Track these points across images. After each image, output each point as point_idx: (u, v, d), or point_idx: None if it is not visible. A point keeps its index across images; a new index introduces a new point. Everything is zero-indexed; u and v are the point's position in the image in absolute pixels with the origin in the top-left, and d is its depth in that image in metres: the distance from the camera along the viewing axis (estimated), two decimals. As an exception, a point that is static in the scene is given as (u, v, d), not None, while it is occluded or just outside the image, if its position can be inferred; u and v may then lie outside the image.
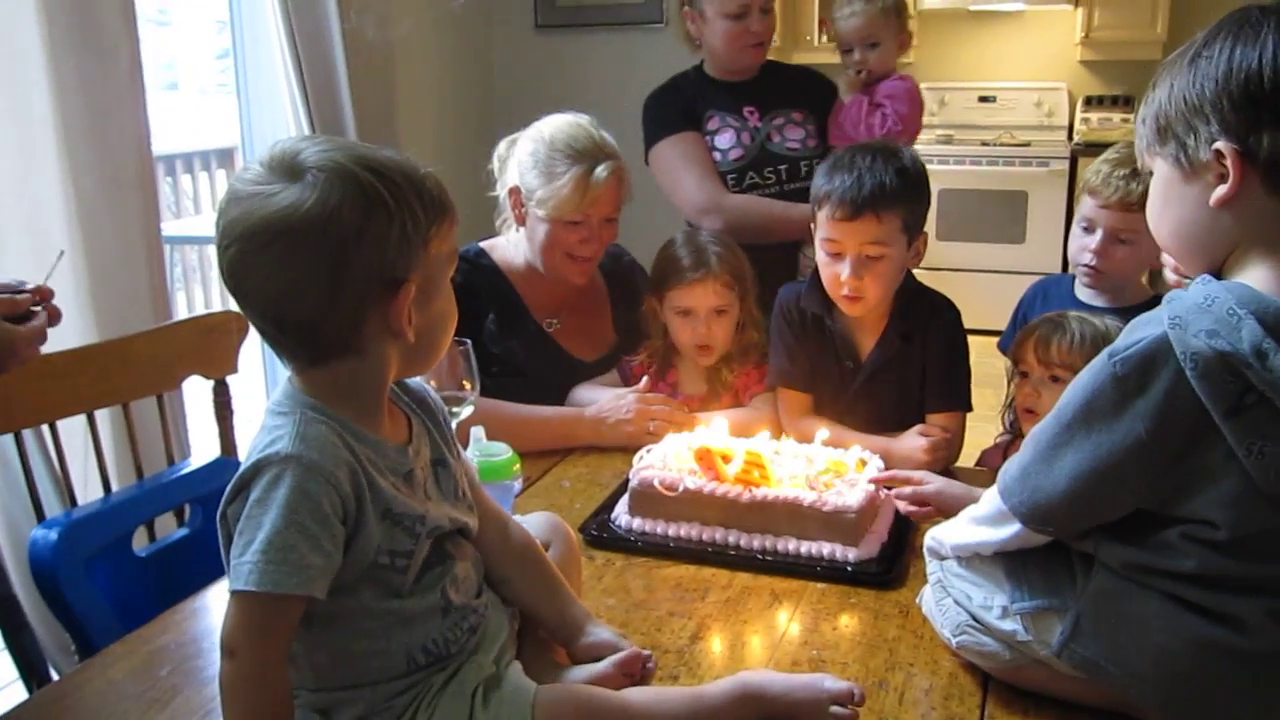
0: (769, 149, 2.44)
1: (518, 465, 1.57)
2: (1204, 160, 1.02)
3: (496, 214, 2.16)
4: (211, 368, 1.97)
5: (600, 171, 1.96)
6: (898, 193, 1.74)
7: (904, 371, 1.87)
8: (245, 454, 0.99)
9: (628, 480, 1.66)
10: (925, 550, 1.34)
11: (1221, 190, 1.01)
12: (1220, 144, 1.00)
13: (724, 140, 2.43)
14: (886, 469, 1.64)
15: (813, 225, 1.85)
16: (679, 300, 2.00)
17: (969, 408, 1.89)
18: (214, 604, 1.44)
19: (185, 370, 1.95)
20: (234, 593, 0.94)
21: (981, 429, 2.04)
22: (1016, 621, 1.17)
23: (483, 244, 2.16)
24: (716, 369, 2.06)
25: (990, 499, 1.18)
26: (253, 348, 2.47)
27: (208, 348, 1.95)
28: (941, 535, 1.29)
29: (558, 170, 1.97)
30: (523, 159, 2.03)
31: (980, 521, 1.21)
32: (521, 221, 2.08)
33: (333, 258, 0.95)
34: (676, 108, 2.47)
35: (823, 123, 2.49)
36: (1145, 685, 1.09)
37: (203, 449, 2.34)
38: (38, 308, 1.34)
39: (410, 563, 1.05)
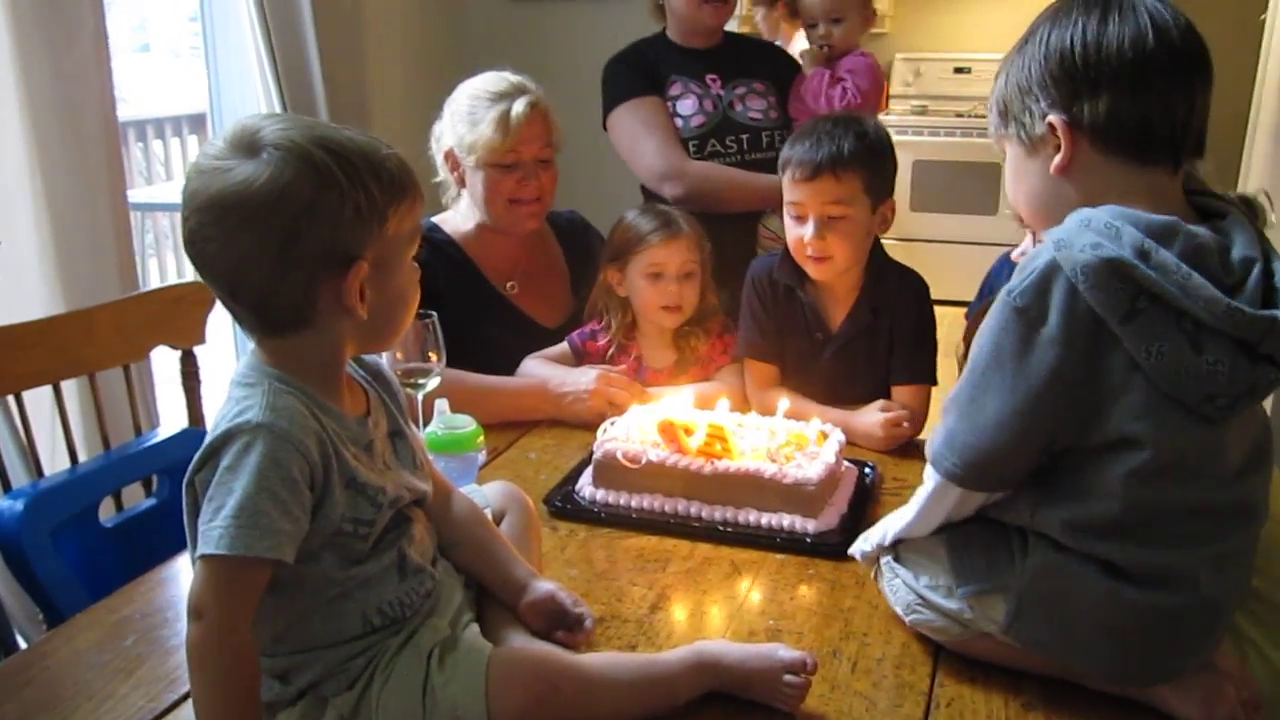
0: (731, 117, 2.43)
1: (481, 438, 1.59)
2: (1040, 134, 1.14)
3: (442, 192, 2.20)
4: (179, 338, 1.97)
5: (518, 106, 2.01)
6: (856, 155, 1.78)
7: (873, 343, 1.90)
8: (211, 424, 1.01)
9: (592, 452, 1.68)
10: (858, 555, 1.37)
11: (1058, 158, 1.13)
12: (1051, 117, 1.12)
13: (686, 106, 2.42)
14: (847, 442, 1.67)
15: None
16: (650, 261, 2.00)
17: (934, 381, 1.91)
18: (180, 574, 1.45)
19: (152, 341, 1.95)
20: (203, 557, 0.96)
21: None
22: (962, 601, 1.20)
23: (434, 219, 2.18)
24: (684, 337, 2.07)
25: (925, 483, 1.22)
26: (221, 319, 2.47)
27: (175, 318, 1.95)
28: (873, 535, 1.33)
29: (479, 115, 2.02)
30: (450, 121, 2.08)
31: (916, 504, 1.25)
32: (462, 183, 2.10)
33: (283, 232, 0.98)
34: (638, 72, 2.45)
35: (784, 94, 2.50)
36: (1093, 657, 1.13)
37: (170, 420, 2.35)
38: None
39: (372, 530, 1.07)
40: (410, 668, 1.06)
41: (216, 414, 1.02)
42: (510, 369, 2.05)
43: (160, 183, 5.20)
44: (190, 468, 1.00)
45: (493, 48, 4.01)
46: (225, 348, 3.11)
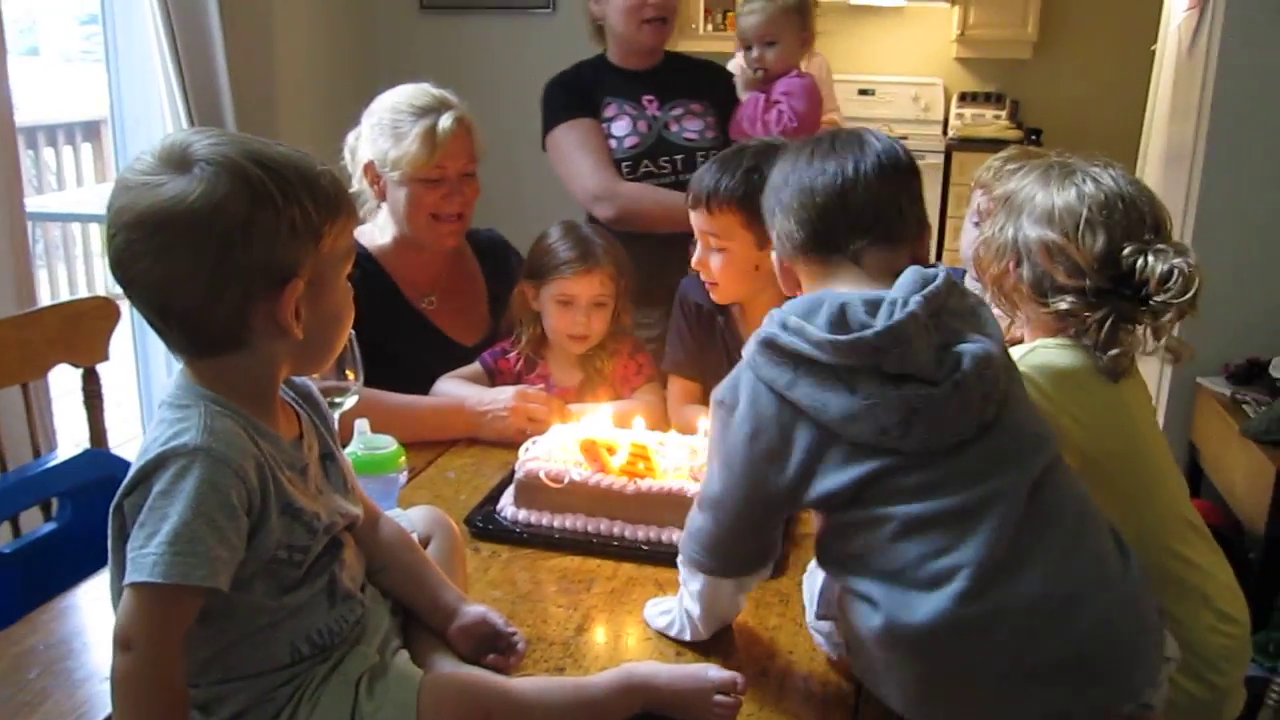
0: (666, 138, 2.45)
1: (402, 458, 1.56)
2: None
3: (359, 204, 2.16)
4: (81, 355, 1.90)
5: (445, 121, 2.00)
6: (732, 192, 1.77)
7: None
8: (141, 447, 0.98)
9: (513, 472, 1.67)
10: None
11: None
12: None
13: (620, 128, 2.44)
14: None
15: None
16: (561, 290, 2.01)
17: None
18: (83, 603, 1.40)
19: (53, 358, 1.88)
20: (134, 585, 0.92)
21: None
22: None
23: None
24: (590, 358, 2.08)
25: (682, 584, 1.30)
26: (123, 336, 2.39)
27: (77, 335, 1.88)
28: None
29: (404, 129, 2.00)
30: (370, 133, 2.05)
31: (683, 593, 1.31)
32: (382, 196, 2.08)
33: (216, 250, 0.96)
34: (575, 94, 2.47)
35: (723, 114, 2.52)
36: (885, 687, 1.15)
37: (66, 440, 2.26)
38: None
39: (306, 557, 1.05)
40: (338, 697, 1.04)
41: (146, 437, 0.99)
42: (424, 388, 2.03)
43: (51, 192, 5.01)
44: (120, 491, 0.96)
45: (403, 57, 3.98)
46: (125, 366, 3.00)
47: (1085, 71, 5.42)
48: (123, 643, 0.93)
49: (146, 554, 0.92)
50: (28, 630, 1.33)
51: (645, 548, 1.54)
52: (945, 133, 5.76)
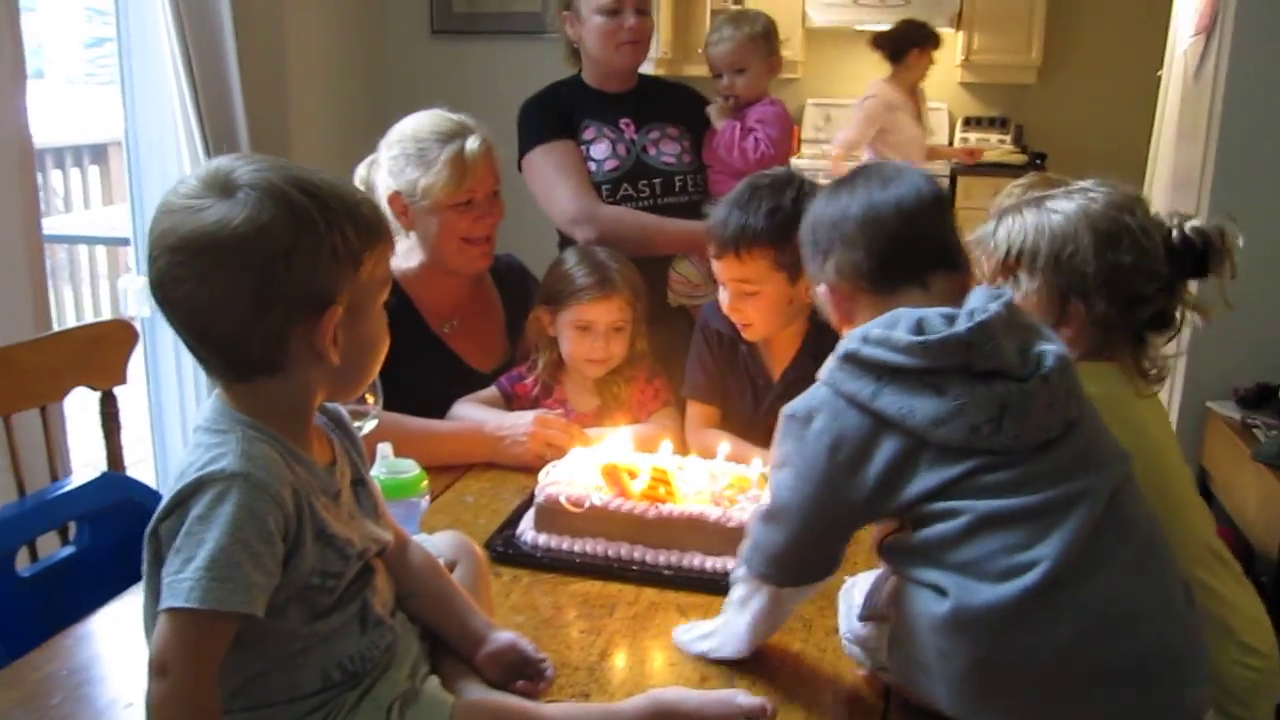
0: (644, 161, 2.46)
1: (425, 482, 1.56)
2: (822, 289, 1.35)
3: None
4: (98, 378, 1.90)
5: (472, 144, 2.00)
6: (762, 235, 1.78)
7: (815, 390, 1.92)
8: (177, 472, 0.98)
9: (532, 496, 1.67)
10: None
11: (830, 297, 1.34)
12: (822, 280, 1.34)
13: (599, 150, 2.44)
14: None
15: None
16: (579, 316, 2.02)
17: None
18: (104, 628, 1.39)
19: (71, 381, 1.88)
20: (170, 610, 0.92)
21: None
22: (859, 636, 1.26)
23: None
24: (607, 383, 2.09)
25: (735, 591, 1.31)
26: (138, 360, 2.39)
27: (95, 358, 1.88)
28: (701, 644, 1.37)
29: (431, 156, 2.00)
30: (392, 164, 2.05)
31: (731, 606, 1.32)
32: (411, 226, 2.07)
33: (259, 275, 0.96)
34: (553, 115, 2.46)
35: (698, 138, 2.53)
36: (933, 686, 1.14)
37: (78, 462, 2.26)
38: None
39: (339, 583, 1.05)
40: (369, 723, 1.04)
41: (182, 460, 0.99)
42: (440, 412, 2.03)
43: (57, 214, 5.03)
44: (155, 516, 0.96)
45: (414, 81, 4.00)
46: (136, 387, 3.00)
47: (1090, 96, 5.45)
48: (159, 668, 0.92)
49: (183, 579, 0.91)
50: (49, 656, 1.32)
51: (668, 572, 1.54)
52: (950, 157, 5.78)
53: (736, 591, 1.31)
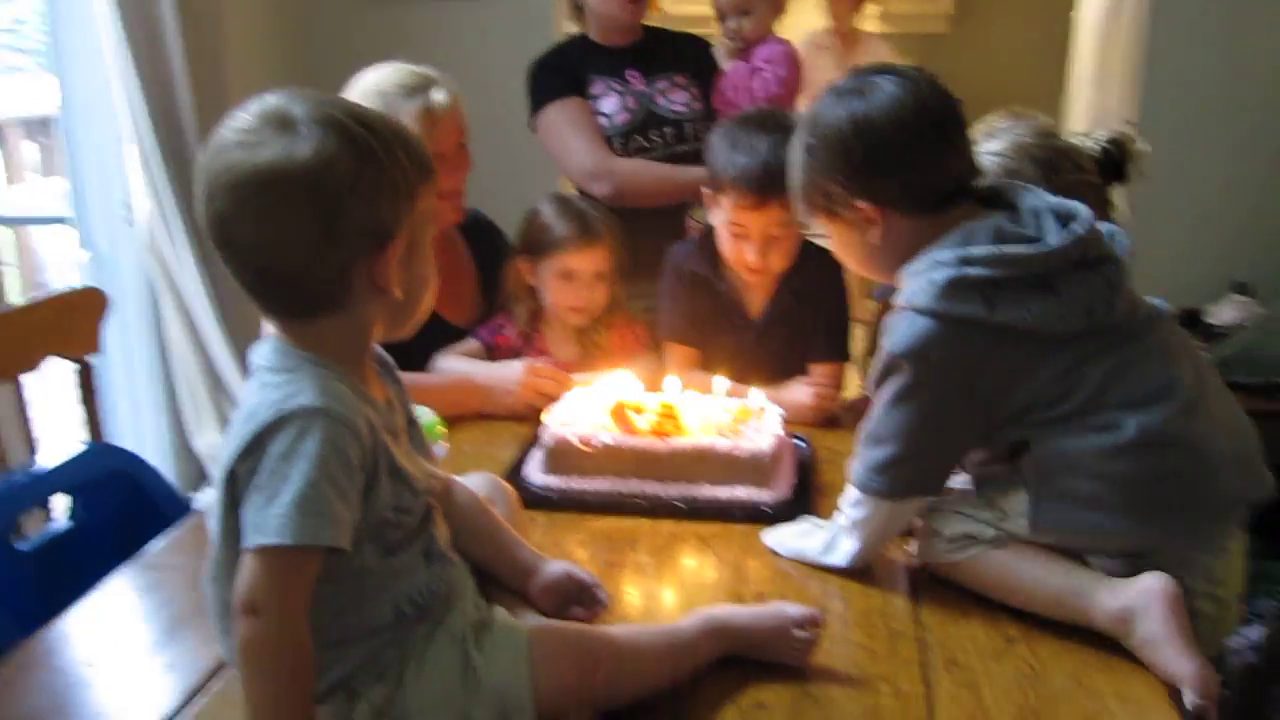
0: (655, 111, 2.46)
1: (440, 427, 1.56)
2: (852, 216, 1.36)
3: None
4: (71, 347, 1.84)
5: (438, 96, 1.97)
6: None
7: (796, 325, 1.96)
8: (245, 412, 0.96)
9: (533, 442, 1.67)
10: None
11: (874, 233, 1.35)
12: (859, 203, 1.34)
13: (609, 105, 2.44)
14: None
15: (706, 192, 1.90)
16: (563, 265, 2.01)
17: (848, 357, 2.00)
18: (111, 603, 1.37)
19: (42, 351, 1.82)
20: (260, 549, 0.91)
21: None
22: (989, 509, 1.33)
23: None
24: (588, 331, 2.09)
25: (849, 512, 1.37)
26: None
27: (68, 326, 1.83)
28: (810, 550, 1.44)
29: (397, 109, 1.94)
30: None
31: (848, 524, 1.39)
32: None
33: (325, 209, 0.95)
34: (561, 73, 2.46)
35: (705, 85, 2.54)
36: (1109, 523, 1.25)
37: (52, 436, 2.19)
38: None
39: (410, 518, 1.05)
40: (446, 653, 1.04)
41: (248, 401, 0.97)
42: (418, 366, 2.01)
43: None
44: (231, 457, 0.94)
45: (351, 44, 3.87)
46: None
47: (1002, 43, 5.56)
48: (249, 607, 0.91)
49: (272, 516, 0.90)
50: (58, 635, 1.29)
51: (680, 504, 1.57)
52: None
53: (850, 514, 1.37)
